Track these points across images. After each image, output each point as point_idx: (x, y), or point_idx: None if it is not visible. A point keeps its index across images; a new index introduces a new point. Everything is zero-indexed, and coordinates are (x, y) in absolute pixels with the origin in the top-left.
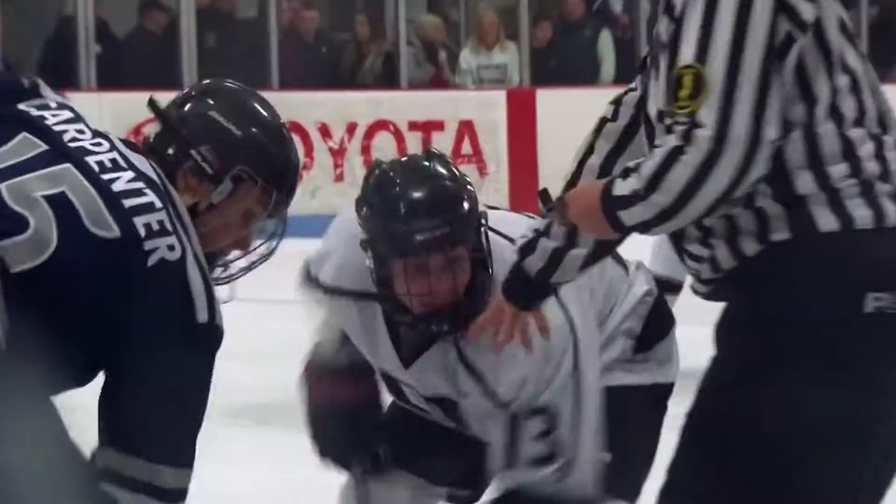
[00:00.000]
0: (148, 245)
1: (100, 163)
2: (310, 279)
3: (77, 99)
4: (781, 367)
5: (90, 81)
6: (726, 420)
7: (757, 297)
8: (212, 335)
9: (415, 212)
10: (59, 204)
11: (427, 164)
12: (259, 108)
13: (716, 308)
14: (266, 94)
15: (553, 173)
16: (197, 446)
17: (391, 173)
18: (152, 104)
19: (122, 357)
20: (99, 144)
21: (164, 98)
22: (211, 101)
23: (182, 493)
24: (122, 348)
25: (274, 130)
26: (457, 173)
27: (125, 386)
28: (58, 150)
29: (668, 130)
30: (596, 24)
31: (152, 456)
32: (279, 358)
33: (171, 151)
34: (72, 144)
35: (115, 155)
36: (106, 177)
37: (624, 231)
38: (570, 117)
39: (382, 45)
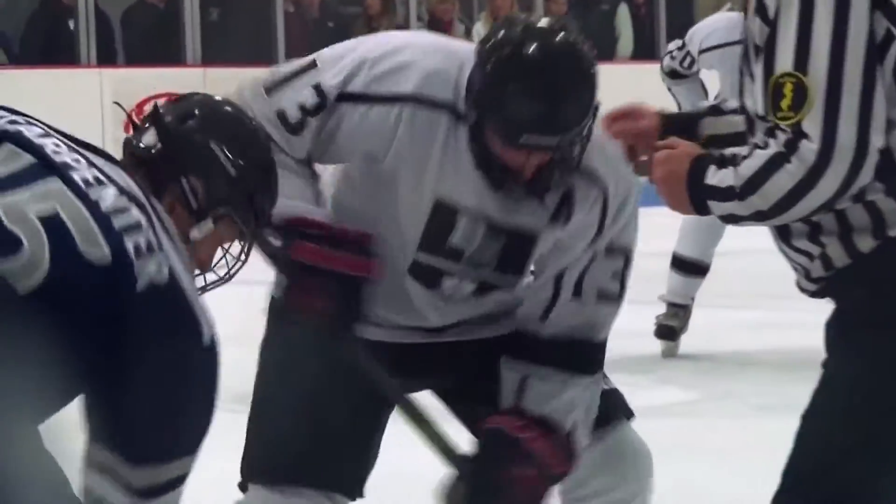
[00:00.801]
0: (137, 268)
1: (84, 179)
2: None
3: (77, 75)
4: None
5: (90, 57)
6: (843, 422)
7: (877, 294)
8: (216, 354)
9: (533, 116)
10: (53, 226)
11: (570, 58)
12: (258, 144)
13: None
14: None
15: None
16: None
17: (531, 50)
18: (155, 115)
19: (130, 382)
20: (77, 161)
21: (166, 75)
22: (215, 129)
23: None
24: (126, 370)
25: (266, 174)
26: (595, 75)
27: (140, 411)
28: (44, 163)
29: (770, 133)
30: None
31: (172, 459)
32: None
33: (161, 171)
34: (56, 158)
35: (95, 172)
36: (93, 194)
37: (707, 214)
38: None
39: (393, 21)
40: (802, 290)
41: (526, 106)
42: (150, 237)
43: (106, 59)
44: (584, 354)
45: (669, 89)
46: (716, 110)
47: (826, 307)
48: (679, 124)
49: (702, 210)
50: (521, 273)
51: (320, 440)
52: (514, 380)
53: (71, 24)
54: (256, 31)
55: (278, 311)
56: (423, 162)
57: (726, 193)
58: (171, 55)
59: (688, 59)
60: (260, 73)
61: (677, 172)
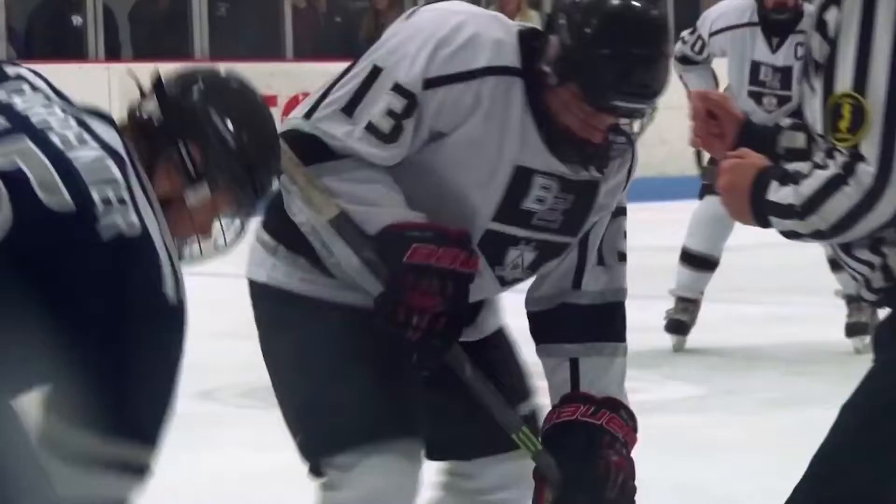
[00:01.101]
0: (103, 217)
1: (64, 139)
2: (441, 79)
3: (85, 70)
4: None
5: (98, 52)
6: (882, 419)
7: None
8: (181, 316)
9: (630, 81)
10: (12, 177)
11: (662, 26)
12: (261, 119)
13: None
14: (280, 65)
15: None
16: (165, 425)
17: (629, 16)
18: (158, 83)
19: (90, 339)
20: (67, 124)
21: (173, 70)
22: (216, 98)
23: (147, 469)
24: (88, 329)
25: (266, 148)
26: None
27: (97, 370)
28: (18, 126)
29: (829, 154)
30: None
31: (126, 438)
32: None
33: (159, 135)
34: (36, 122)
35: (83, 133)
36: (67, 149)
37: (768, 227)
38: None
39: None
40: (863, 299)
41: (624, 70)
42: (122, 193)
43: (113, 53)
44: (618, 318)
45: (680, 77)
46: (798, 126)
47: (833, 302)
48: (760, 132)
49: (764, 223)
50: (578, 233)
51: (390, 398)
52: (563, 365)
53: (74, 20)
54: (264, 26)
55: (286, 299)
56: (503, 130)
57: (787, 211)
58: (178, 50)
59: (699, 44)
60: (309, 103)
61: (741, 184)
